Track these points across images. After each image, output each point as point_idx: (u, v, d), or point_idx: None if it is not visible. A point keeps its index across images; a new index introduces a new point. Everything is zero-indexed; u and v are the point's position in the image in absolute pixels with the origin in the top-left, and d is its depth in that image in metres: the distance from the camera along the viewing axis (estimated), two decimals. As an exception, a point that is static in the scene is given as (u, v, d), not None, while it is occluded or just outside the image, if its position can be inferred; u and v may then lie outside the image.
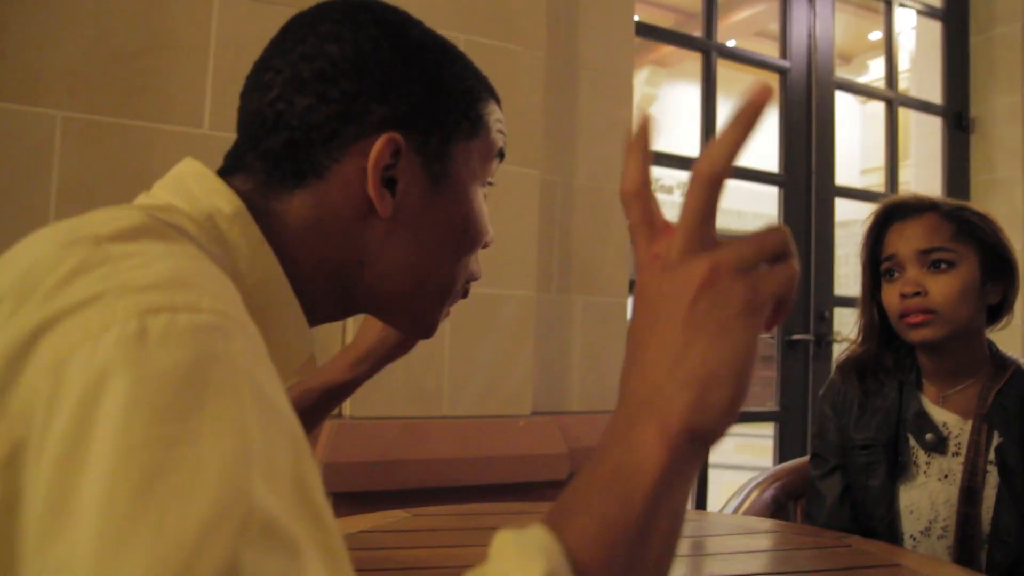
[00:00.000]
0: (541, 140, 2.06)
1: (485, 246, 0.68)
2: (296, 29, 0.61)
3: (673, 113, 9.29)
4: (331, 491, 1.73)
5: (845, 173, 3.08)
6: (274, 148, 0.59)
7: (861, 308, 1.34)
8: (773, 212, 2.99)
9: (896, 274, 1.26)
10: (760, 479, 1.46)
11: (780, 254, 0.43)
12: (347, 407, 1.80)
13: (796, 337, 2.83)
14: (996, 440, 1.20)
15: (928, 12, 3.27)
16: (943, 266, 1.21)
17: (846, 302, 2.98)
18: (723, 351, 0.40)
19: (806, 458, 1.51)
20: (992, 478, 1.19)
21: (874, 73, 5.84)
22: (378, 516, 1.13)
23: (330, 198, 0.59)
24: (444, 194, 0.63)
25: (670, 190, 10.20)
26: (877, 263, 1.30)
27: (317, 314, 0.64)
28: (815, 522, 1.32)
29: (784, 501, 1.46)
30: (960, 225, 1.23)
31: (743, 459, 6.01)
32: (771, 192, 2.94)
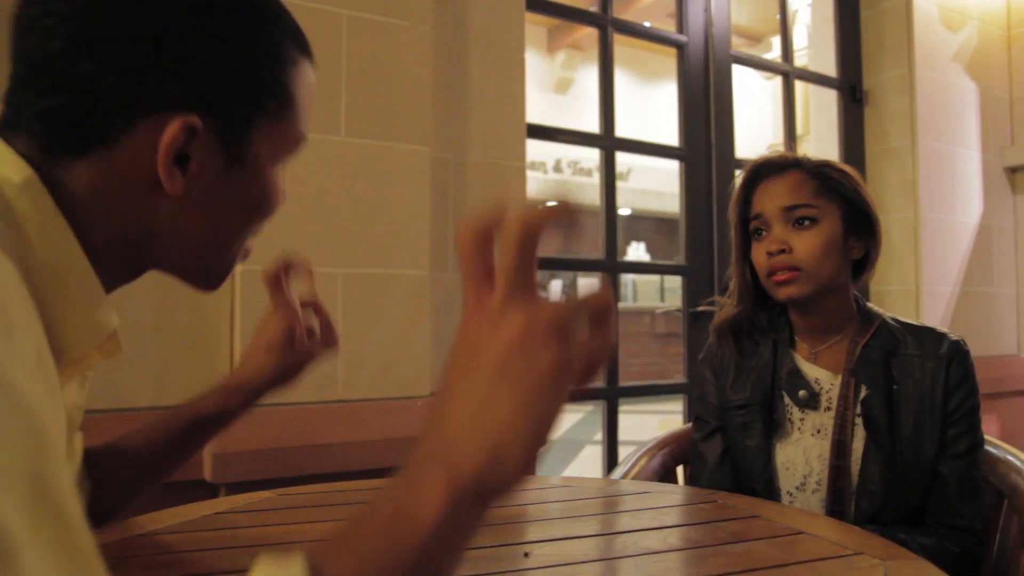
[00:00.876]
0: (430, 117, 2.02)
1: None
2: None
3: (590, 96, 9.34)
4: (226, 481, 1.68)
5: (752, 149, 3.12)
6: (53, 111, 0.54)
7: (734, 269, 1.35)
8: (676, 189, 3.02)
9: (764, 233, 1.27)
10: (648, 446, 1.46)
11: (600, 318, 0.43)
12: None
13: (701, 308, 2.86)
14: (863, 393, 1.22)
15: (821, -13, 3.34)
16: (806, 223, 1.22)
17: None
18: (525, 411, 0.39)
19: (689, 425, 1.52)
20: (860, 431, 1.21)
21: (778, 50, 5.98)
22: (242, 497, 1.08)
23: (117, 169, 0.55)
24: (240, 176, 0.60)
25: (589, 172, 10.28)
26: (747, 223, 1.31)
27: (111, 283, 0.61)
28: (698, 483, 1.33)
29: (672, 466, 1.47)
30: (823, 181, 1.24)
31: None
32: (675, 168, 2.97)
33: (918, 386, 1.20)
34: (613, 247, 2.69)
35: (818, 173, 1.25)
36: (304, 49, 0.65)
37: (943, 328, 1.27)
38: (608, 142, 2.67)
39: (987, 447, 1.31)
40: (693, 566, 0.79)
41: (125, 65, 0.53)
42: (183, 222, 0.58)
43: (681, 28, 2.90)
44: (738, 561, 0.76)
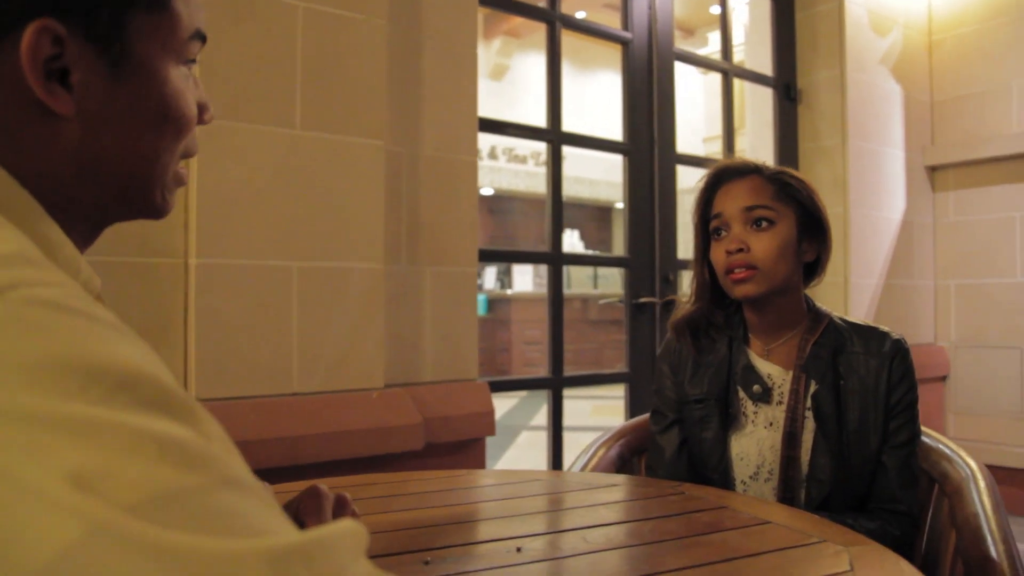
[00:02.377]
0: (385, 110, 2.02)
1: (204, 122, 0.63)
2: None
3: (524, 83, 9.38)
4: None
5: (688, 142, 3.21)
6: None
7: (694, 268, 1.41)
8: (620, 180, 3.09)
9: (723, 233, 1.33)
10: (605, 437, 1.51)
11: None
12: (193, 389, 1.73)
13: (643, 300, 2.93)
14: (813, 388, 1.30)
15: (758, -13, 3.44)
16: (764, 224, 1.29)
17: (689, 265, 3.13)
18: None
19: (646, 416, 1.58)
20: (810, 423, 1.29)
21: (714, 45, 6.12)
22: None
23: (5, 102, 0.51)
24: (131, 79, 0.56)
25: (523, 159, 10.33)
26: (708, 224, 1.37)
27: (77, 240, 0.57)
28: (656, 474, 1.39)
29: (628, 457, 1.52)
30: (780, 187, 1.31)
31: (599, 420, 6.22)
32: (618, 159, 3.03)
33: (863, 382, 1.28)
34: (559, 239, 2.75)
35: (776, 179, 1.32)
36: None
37: (885, 328, 1.35)
38: (555, 136, 2.71)
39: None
40: (676, 556, 0.84)
41: None
42: (94, 146, 0.55)
43: (626, 25, 2.96)
44: (715, 551, 0.82)
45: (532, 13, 2.73)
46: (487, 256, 2.54)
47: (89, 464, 0.33)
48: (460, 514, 1.01)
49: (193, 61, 0.61)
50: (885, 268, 3.45)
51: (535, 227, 11.29)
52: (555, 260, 2.73)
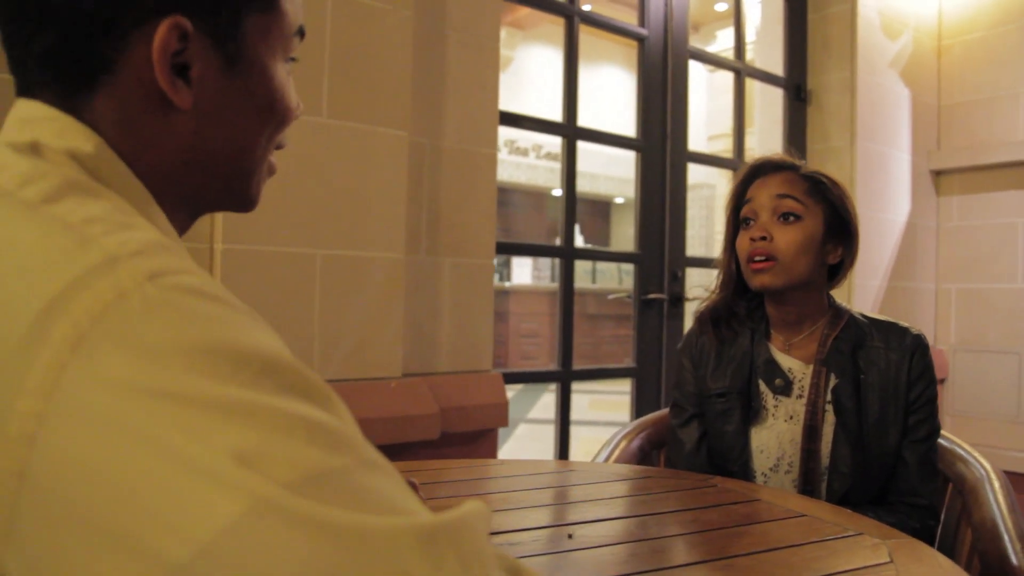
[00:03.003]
0: (409, 101, 2.04)
1: (296, 117, 0.65)
2: None
3: (529, 75, 9.38)
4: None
5: (693, 139, 3.23)
6: (49, 50, 0.52)
7: (722, 258, 1.44)
8: (629, 175, 3.11)
9: (751, 222, 1.36)
10: (627, 430, 1.54)
11: None
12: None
13: (651, 296, 2.96)
14: (833, 382, 1.33)
15: (771, -12, 3.46)
16: (791, 218, 1.32)
17: (698, 262, 3.16)
18: None
19: (667, 410, 1.61)
20: (830, 416, 1.32)
21: (721, 43, 6.14)
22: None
23: (127, 96, 0.54)
24: (243, 75, 0.58)
25: (525, 152, 10.34)
26: (739, 213, 1.40)
27: (177, 229, 0.60)
28: (675, 466, 1.42)
29: (648, 450, 1.55)
30: (813, 184, 1.34)
31: (597, 415, 6.26)
32: (626, 155, 3.05)
33: (883, 375, 1.32)
34: (571, 234, 2.77)
35: (810, 177, 1.35)
36: None
37: (905, 323, 1.39)
38: (571, 131, 2.73)
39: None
40: (722, 547, 0.87)
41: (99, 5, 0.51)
42: (206, 140, 0.58)
43: (642, 21, 2.98)
44: (759, 541, 0.85)
45: (552, 8, 2.74)
46: (503, 249, 2.57)
47: (248, 444, 0.35)
48: (507, 500, 1.03)
49: (294, 58, 0.64)
50: (888, 270, 3.49)
51: (536, 220, 11.31)
52: (567, 255, 2.75)
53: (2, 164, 0.48)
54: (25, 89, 0.55)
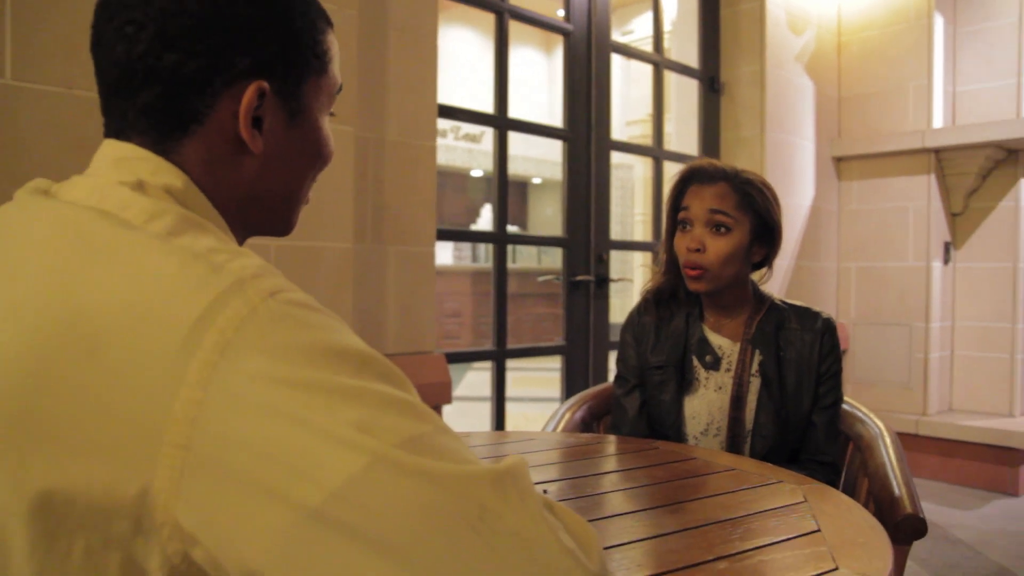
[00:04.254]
0: (356, 97, 2.14)
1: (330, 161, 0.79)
2: None
3: (449, 57, 9.42)
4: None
5: (613, 125, 3.41)
6: (152, 102, 0.64)
7: (663, 246, 1.62)
8: (545, 156, 3.25)
9: (688, 227, 1.53)
10: (571, 403, 1.70)
11: None
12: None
13: (579, 278, 3.14)
14: (758, 357, 1.52)
15: (686, -16, 3.66)
16: (722, 230, 1.50)
17: (621, 246, 3.35)
18: None
19: (605, 384, 1.78)
20: (754, 388, 1.51)
21: (638, 32, 6.34)
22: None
23: (212, 141, 0.66)
24: (300, 127, 0.71)
25: (443, 133, 10.40)
26: (677, 213, 1.56)
27: None
28: (620, 431, 1.59)
29: (590, 420, 1.72)
30: (743, 197, 1.51)
31: (521, 391, 6.44)
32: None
33: (799, 353, 1.52)
34: (504, 220, 2.91)
35: (741, 189, 1.52)
36: (329, 21, 0.77)
37: (817, 308, 1.59)
38: (502, 122, 2.87)
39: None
40: (669, 495, 1.03)
41: (202, 50, 0.64)
42: (267, 178, 0.70)
43: (568, 17, 3.13)
44: (699, 490, 1.01)
45: (483, 4, 2.86)
46: (441, 236, 2.69)
47: (362, 416, 0.48)
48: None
49: (333, 113, 0.77)
50: (796, 251, 3.76)
51: (455, 200, 11.38)
52: (500, 240, 2.90)
53: (123, 201, 0.59)
54: (119, 132, 0.66)
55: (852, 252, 4.04)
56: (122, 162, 0.64)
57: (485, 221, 10.12)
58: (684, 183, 1.57)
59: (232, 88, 0.65)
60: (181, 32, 0.63)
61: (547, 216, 12.51)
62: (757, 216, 1.53)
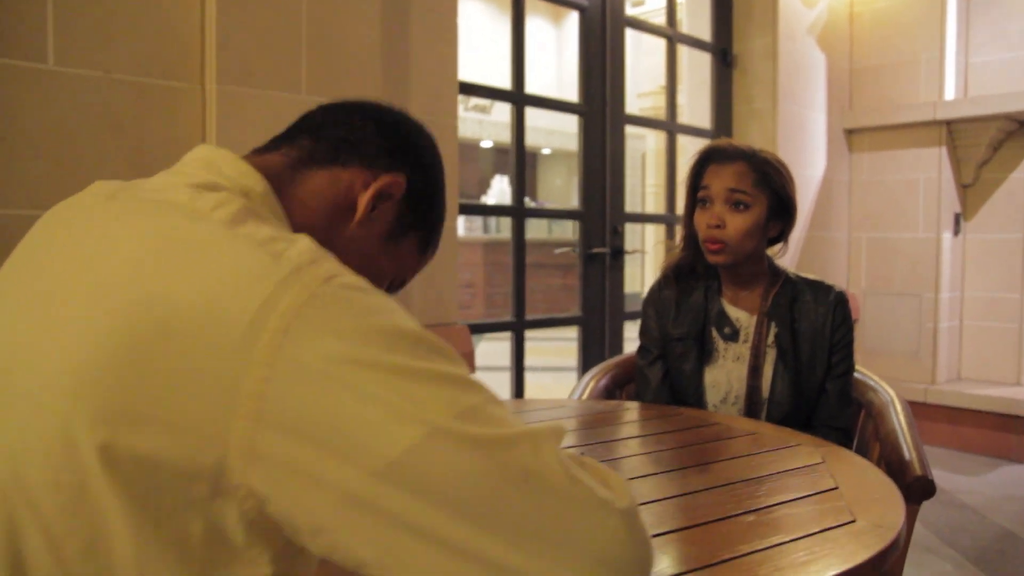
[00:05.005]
0: (380, 75, 2.19)
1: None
2: (369, 108, 0.82)
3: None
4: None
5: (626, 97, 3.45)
6: (328, 137, 0.77)
7: (684, 223, 1.69)
8: (553, 125, 3.28)
9: (708, 204, 1.60)
10: (595, 371, 1.78)
11: None
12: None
13: (595, 251, 3.20)
14: (774, 329, 1.60)
15: (700, -42, 3.68)
16: (741, 207, 1.56)
17: (636, 218, 3.40)
18: None
19: (627, 354, 1.85)
20: (770, 358, 1.59)
21: (649, 3, 6.33)
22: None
23: (337, 184, 0.75)
24: (385, 248, 0.80)
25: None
26: (697, 192, 1.63)
27: None
28: (643, 399, 1.67)
29: (613, 388, 1.80)
30: (761, 175, 1.58)
31: (532, 360, 6.50)
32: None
33: (812, 324, 1.59)
34: (522, 194, 2.97)
35: (759, 168, 1.58)
36: (443, 220, 0.88)
37: (830, 282, 1.66)
38: (519, 98, 2.92)
39: (853, 370, 1.73)
40: (696, 456, 1.11)
41: (382, 146, 0.77)
42: (347, 248, 0.76)
43: (583, -8, 3.16)
44: (723, 452, 1.09)
45: (501, -19, 2.89)
46: (462, 209, 2.75)
47: (419, 390, 0.54)
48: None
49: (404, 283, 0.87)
50: (808, 221, 3.82)
51: (466, 171, 11.39)
52: (518, 213, 2.96)
53: (195, 193, 0.64)
54: (275, 145, 0.78)
55: (863, 223, 4.09)
56: (211, 164, 0.70)
57: (496, 192, 10.15)
58: (703, 163, 1.63)
59: (378, 170, 0.76)
60: (371, 138, 0.78)
61: (556, 187, 12.52)
62: (774, 194, 1.59)
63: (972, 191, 3.98)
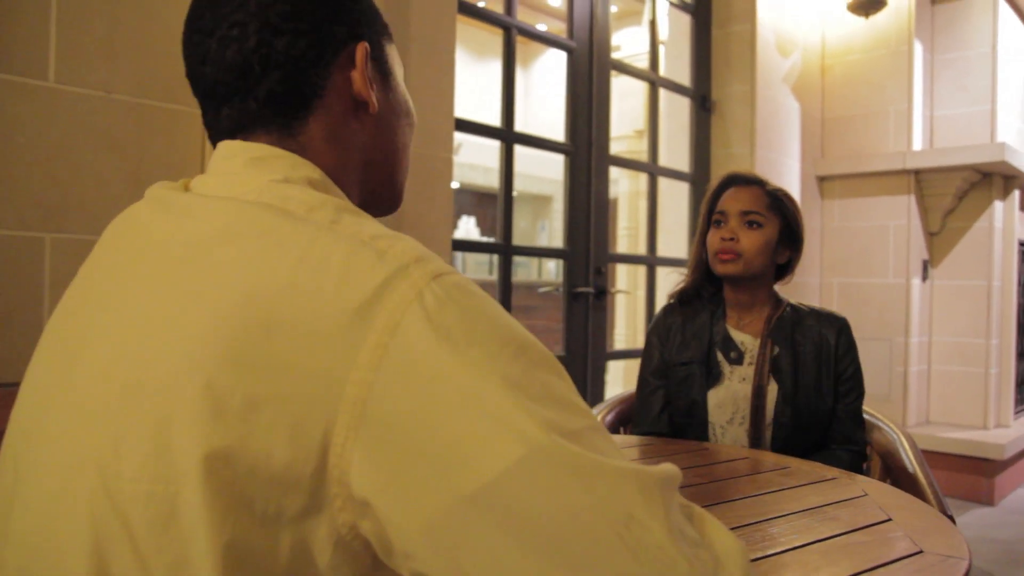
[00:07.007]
0: (380, 107, 2.18)
1: None
2: None
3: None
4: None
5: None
6: (274, 88, 0.67)
7: (694, 248, 1.75)
8: (557, 176, 3.30)
9: (722, 224, 1.66)
10: (603, 406, 1.76)
11: None
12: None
13: (579, 290, 3.20)
14: (776, 351, 1.62)
15: (680, 6, 3.77)
16: (755, 225, 1.62)
17: (619, 258, 3.42)
18: None
19: (631, 391, 1.84)
20: (774, 378, 1.61)
21: (625, 48, 6.43)
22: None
23: (333, 111, 0.69)
24: (393, 88, 0.75)
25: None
26: (711, 215, 1.67)
27: None
28: (640, 428, 1.67)
29: (617, 425, 1.78)
30: (774, 200, 1.63)
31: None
32: (556, 158, 3.28)
33: (816, 346, 1.64)
34: (509, 232, 2.97)
35: (772, 194, 1.64)
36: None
37: (833, 310, 1.72)
38: (508, 135, 2.93)
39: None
40: (737, 490, 1.09)
41: (306, 28, 0.67)
42: (380, 141, 0.72)
43: (570, 34, 3.21)
44: (763, 485, 1.07)
45: (493, 20, 2.93)
46: (455, 246, 2.73)
47: (523, 404, 0.50)
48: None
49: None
50: (782, 266, 3.87)
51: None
52: (505, 251, 2.95)
53: (282, 195, 0.61)
54: (238, 131, 0.68)
55: (834, 268, 4.17)
56: (260, 161, 0.66)
57: (462, 233, 10.16)
58: (722, 188, 1.69)
59: (339, 57, 0.69)
60: (283, 17, 0.66)
61: (521, 229, 12.56)
62: (784, 219, 1.66)
63: (938, 239, 4.09)
